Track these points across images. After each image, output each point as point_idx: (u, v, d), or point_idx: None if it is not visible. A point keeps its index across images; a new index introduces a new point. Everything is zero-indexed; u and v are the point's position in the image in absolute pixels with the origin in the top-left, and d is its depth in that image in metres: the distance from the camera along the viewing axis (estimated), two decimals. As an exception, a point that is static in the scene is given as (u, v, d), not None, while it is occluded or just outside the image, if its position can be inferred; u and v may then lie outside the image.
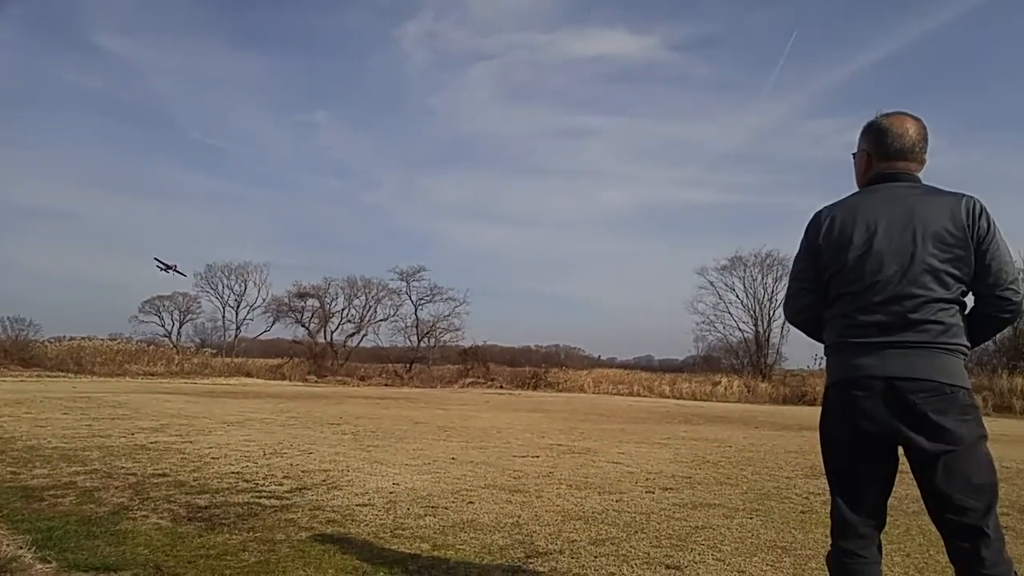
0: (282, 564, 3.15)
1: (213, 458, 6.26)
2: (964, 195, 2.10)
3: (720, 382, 28.15)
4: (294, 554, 3.32)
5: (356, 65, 62.91)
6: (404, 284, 37.79)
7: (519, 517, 4.33)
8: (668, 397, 26.59)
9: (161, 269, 36.92)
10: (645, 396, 26.93)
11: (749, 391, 26.91)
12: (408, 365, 35.58)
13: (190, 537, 3.54)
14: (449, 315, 37.77)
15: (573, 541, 3.79)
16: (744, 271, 33.82)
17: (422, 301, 37.90)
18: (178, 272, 37.81)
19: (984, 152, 40.69)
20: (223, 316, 40.17)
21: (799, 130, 48.87)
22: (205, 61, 59.98)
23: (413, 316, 37.91)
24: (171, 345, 37.69)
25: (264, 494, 4.75)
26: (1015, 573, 1.96)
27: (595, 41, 57.33)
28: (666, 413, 16.37)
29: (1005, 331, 25.33)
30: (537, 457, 7.21)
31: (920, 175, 2.23)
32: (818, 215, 2.28)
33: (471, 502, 4.75)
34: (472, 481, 5.60)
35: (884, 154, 2.23)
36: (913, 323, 2.02)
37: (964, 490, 1.94)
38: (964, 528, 1.95)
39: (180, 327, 42.14)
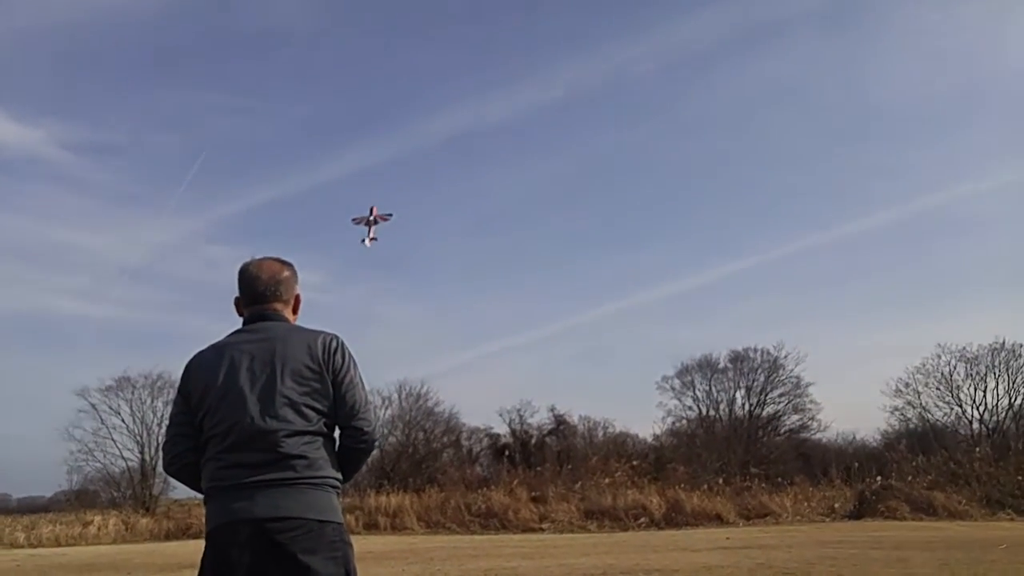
0: None
1: None
2: (323, 332, 2.23)
3: (93, 521, 24.49)
4: None
5: None
6: None
7: None
8: (23, 546, 21.77)
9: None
10: (-12, 549, 21.50)
11: (128, 528, 24.04)
12: None
13: None
14: None
15: None
16: (132, 393, 30.59)
17: None
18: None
19: (359, 290, 48.11)
20: None
21: (198, 252, 49.54)
22: None
23: None
24: None
25: None
26: None
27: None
28: (14, 569, 13.24)
29: (375, 451, 28.88)
30: None
31: (288, 313, 2.34)
32: (191, 358, 2.24)
33: None
34: None
35: (248, 298, 2.33)
36: (279, 459, 2.01)
37: None
38: None
39: None
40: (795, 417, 29.69)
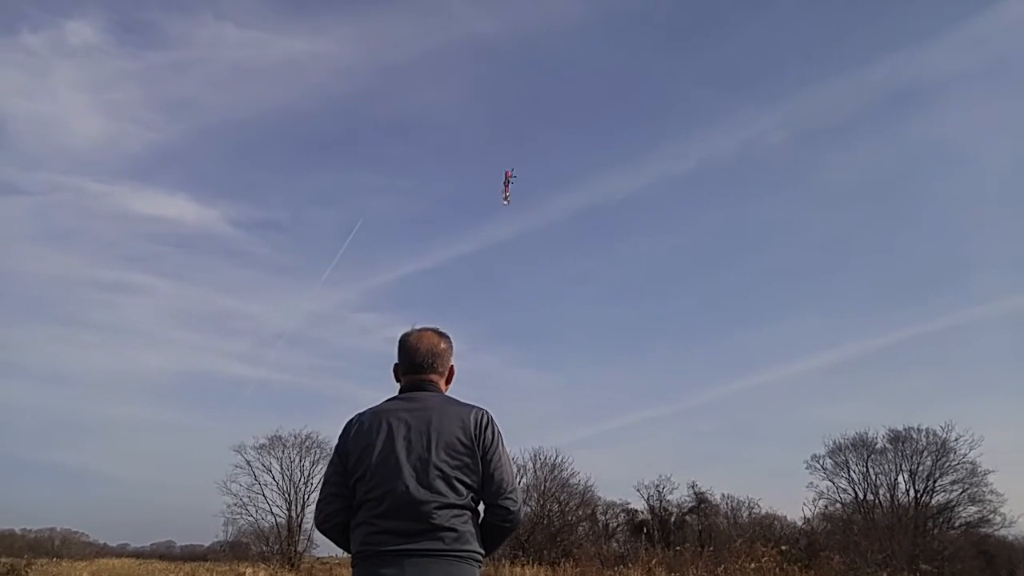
0: None
1: None
2: (475, 407, 2.26)
3: (245, 573, 25.75)
4: None
5: None
6: None
7: None
8: (182, 592, 23.25)
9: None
10: (154, 592, 23.11)
11: (275, 583, 25.13)
12: None
13: None
14: None
15: None
16: (283, 451, 32.41)
17: None
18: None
19: (495, 359, 49.24)
20: None
21: (349, 320, 53.11)
22: None
23: None
24: None
25: None
26: None
27: (154, 202, 55.55)
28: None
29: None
30: None
31: (442, 384, 2.40)
32: (350, 421, 2.30)
33: None
34: None
35: (407, 367, 2.41)
36: (429, 529, 2.04)
37: None
38: None
39: None
40: (972, 509, 26.53)
